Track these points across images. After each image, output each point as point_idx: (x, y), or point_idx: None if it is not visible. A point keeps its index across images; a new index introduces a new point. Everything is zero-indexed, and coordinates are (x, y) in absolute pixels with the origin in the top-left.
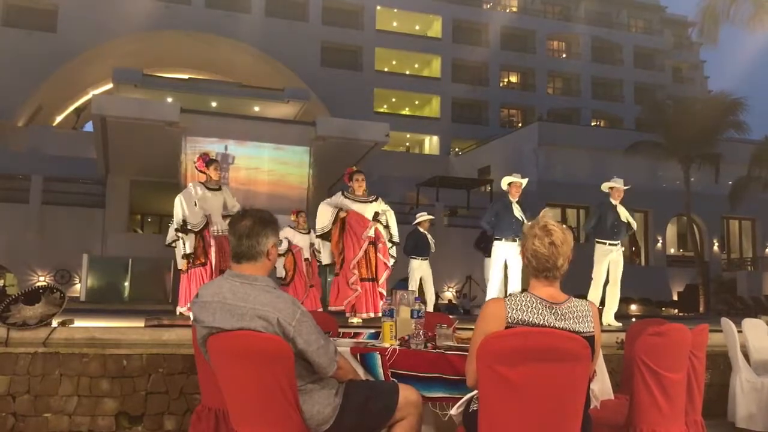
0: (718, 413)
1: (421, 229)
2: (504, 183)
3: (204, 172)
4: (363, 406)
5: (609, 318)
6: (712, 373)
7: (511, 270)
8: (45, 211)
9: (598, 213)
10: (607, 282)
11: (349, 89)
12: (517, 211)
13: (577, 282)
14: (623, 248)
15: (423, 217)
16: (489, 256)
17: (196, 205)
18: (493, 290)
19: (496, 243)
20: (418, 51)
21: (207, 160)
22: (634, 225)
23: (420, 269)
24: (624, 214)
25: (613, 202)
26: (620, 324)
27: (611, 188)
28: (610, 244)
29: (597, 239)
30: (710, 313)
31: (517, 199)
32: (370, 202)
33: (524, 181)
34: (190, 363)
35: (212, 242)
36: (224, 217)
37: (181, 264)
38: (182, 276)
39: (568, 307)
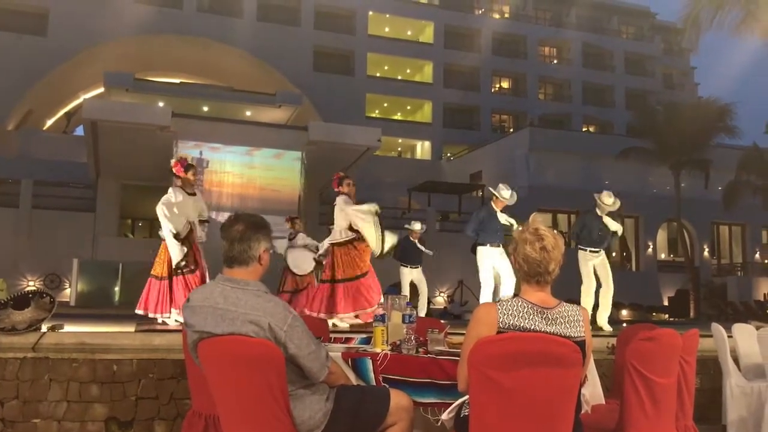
0: (709, 418)
1: (411, 238)
2: (505, 194)
3: (180, 177)
4: (354, 412)
5: (602, 321)
6: (702, 378)
7: (504, 272)
8: (35, 215)
9: (582, 222)
10: (599, 286)
11: (341, 94)
12: (503, 219)
13: (567, 287)
14: (614, 253)
15: (410, 227)
16: None
17: (176, 211)
18: (486, 294)
19: (481, 248)
20: (410, 56)
21: (186, 165)
22: (619, 229)
23: (410, 276)
24: (610, 223)
25: (599, 212)
26: (611, 328)
27: (599, 197)
28: (590, 251)
29: (579, 246)
30: (701, 318)
31: (500, 209)
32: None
33: (510, 202)
34: (180, 368)
35: (200, 248)
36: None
37: (159, 269)
38: (152, 280)
39: (560, 311)
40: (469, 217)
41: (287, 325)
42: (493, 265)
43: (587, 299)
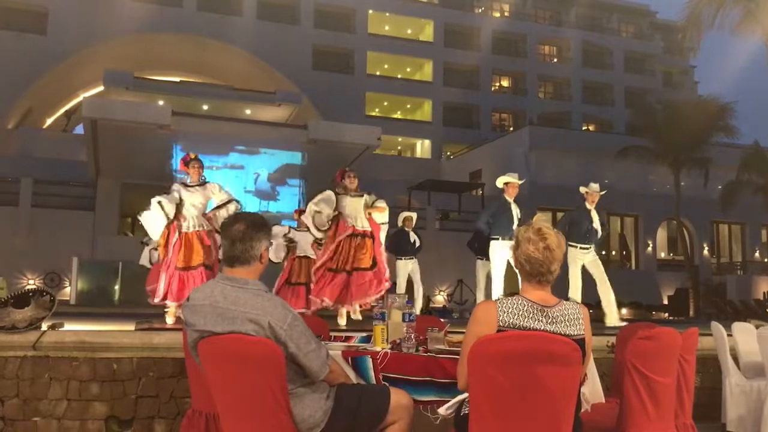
0: (708, 416)
1: (406, 228)
2: (500, 182)
3: (186, 172)
4: (354, 410)
5: (613, 320)
6: (702, 376)
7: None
8: (35, 214)
9: (570, 218)
10: (595, 284)
11: (341, 93)
12: (516, 211)
13: (566, 285)
14: (613, 252)
15: (402, 215)
16: (482, 255)
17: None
18: (498, 289)
19: (493, 243)
20: (410, 55)
21: (186, 161)
22: (604, 227)
23: (405, 269)
24: (596, 219)
25: (588, 206)
26: (623, 323)
27: (586, 192)
28: (581, 248)
29: (569, 242)
30: (700, 317)
31: (513, 199)
32: (361, 196)
33: (520, 182)
34: (180, 366)
35: (175, 237)
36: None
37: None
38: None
39: (559, 310)
40: (469, 216)
41: (287, 324)
42: (507, 259)
43: (576, 294)
